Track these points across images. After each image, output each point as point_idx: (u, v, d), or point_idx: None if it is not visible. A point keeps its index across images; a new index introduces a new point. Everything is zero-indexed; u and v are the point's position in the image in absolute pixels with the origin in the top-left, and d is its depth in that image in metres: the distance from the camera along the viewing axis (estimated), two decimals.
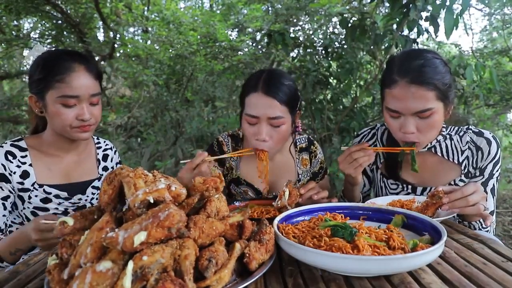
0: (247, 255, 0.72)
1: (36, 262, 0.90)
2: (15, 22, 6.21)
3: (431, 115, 1.14)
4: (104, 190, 0.74)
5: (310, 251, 0.71)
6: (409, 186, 1.35)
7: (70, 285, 0.58)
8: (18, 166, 1.24)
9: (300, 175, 1.53)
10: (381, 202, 1.19)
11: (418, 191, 1.33)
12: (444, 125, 1.30)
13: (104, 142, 1.52)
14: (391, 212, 0.96)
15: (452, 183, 1.28)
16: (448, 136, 1.30)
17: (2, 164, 1.21)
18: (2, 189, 1.22)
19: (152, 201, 0.67)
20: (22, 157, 1.26)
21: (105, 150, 1.49)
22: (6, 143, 1.26)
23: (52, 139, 1.30)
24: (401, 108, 1.15)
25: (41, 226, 0.99)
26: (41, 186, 1.26)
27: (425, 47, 5.37)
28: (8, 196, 1.23)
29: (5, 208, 1.22)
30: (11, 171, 1.22)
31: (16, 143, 1.27)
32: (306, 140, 1.58)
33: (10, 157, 1.23)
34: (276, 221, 0.89)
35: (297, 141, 1.56)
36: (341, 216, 0.98)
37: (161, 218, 0.62)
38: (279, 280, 0.74)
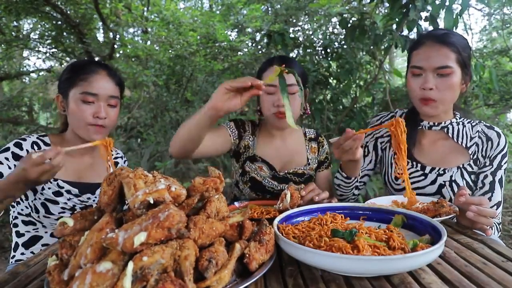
0: (247, 255, 0.72)
1: (36, 263, 0.90)
2: (15, 23, 6.20)
3: (450, 74, 1.26)
4: (104, 191, 0.74)
5: (310, 251, 0.71)
6: (419, 165, 1.39)
7: (70, 286, 0.57)
8: None
9: (309, 160, 1.67)
10: (381, 202, 1.19)
11: (427, 171, 1.37)
12: (457, 113, 1.40)
13: (116, 151, 1.61)
14: (391, 212, 0.96)
15: (461, 166, 1.33)
16: (460, 122, 1.40)
17: (27, 150, 1.31)
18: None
19: (152, 201, 0.67)
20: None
21: (115, 158, 1.57)
22: (33, 135, 1.37)
23: (72, 139, 1.39)
24: (424, 64, 1.28)
25: (36, 160, 1.03)
26: (55, 179, 1.32)
27: None
28: None
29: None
30: None
31: (42, 137, 1.37)
32: (315, 132, 1.77)
33: (35, 147, 1.33)
34: (276, 222, 0.89)
35: (306, 132, 1.73)
36: (341, 216, 0.98)
37: (161, 219, 0.62)
38: (279, 280, 0.74)
